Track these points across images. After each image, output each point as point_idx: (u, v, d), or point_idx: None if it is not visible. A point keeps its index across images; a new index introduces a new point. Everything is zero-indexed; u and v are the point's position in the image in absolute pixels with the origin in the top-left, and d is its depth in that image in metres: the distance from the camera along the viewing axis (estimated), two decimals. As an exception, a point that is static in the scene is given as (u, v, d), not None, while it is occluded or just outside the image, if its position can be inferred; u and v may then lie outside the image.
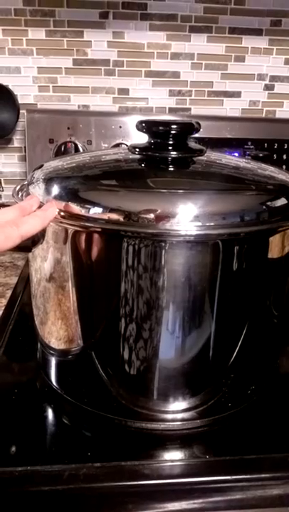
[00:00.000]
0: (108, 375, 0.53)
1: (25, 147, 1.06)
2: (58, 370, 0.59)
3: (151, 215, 0.44)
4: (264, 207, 0.47)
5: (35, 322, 0.61)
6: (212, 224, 0.44)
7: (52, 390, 0.59)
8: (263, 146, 1.07)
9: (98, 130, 1.02)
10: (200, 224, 0.44)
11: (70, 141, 1.00)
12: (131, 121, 1.01)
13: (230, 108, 1.16)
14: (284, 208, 0.49)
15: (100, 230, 0.46)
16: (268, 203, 0.48)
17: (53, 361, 0.59)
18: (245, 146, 1.07)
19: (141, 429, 0.53)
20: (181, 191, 0.48)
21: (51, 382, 0.59)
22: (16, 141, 1.13)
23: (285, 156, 1.09)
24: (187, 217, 0.44)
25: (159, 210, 0.44)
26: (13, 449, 0.50)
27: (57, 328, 0.55)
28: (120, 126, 1.02)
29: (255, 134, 1.07)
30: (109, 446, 0.51)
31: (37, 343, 0.63)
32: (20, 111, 1.06)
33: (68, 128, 1.02)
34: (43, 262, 0.53)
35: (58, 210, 0.47)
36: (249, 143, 1.07)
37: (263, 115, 1.18)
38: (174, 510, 0.48)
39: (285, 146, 1.08)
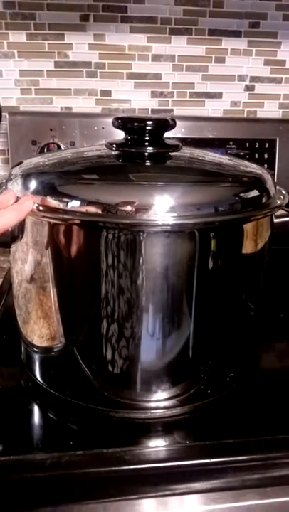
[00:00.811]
0: (90, 368, 0.54)
1: (8, 149, 1.06)
2: (42, 365, 0.60)
3: (129, 207, 0.46)
4: (237, 198, 0.49)
5: (18, 321, 0.62)
6: (188, 214, 0.46)
7: (36, 384, 0.59)
8: (245, 146, 1.09)
9: (81, 131, 1.04)
10: (176, 215, 0.46)
11: (53, 143, 1.01)
12: (113, 122, 1.02)
13: (212, 109, 1.18)
14: (256, 199, 0.50)
15: (78, 222, 0.47)
16: (241, 195, 0.49)
17: (37, 358, 0.60)
18: (227, 146, 1.09)
19: (123, 418, 0.54)
20: (157, 183, 0.49)
21: (35, 378, 0.60)
22: (-1, 143, 1.14)
23: (266, 155, 1.10)
24: (164, 208, 0.46)
25: (136, 202, 0.46)
26: (-1, 441, 0.51)
27: (39, 327, 0.56)
28: (103, 127, 1.04)
29: (236, 134, 1.09)
30: (92, 436, 0.52)
31: (20, 341, 0.63)
32: (3, 114, 1.07)
33: (51, 129, 1.03)
34: (24, 261, 0.54)
35: (35, 204, 0.48)
36: (231, 142, 1.09)
37: (245, 115, 1.20)
38: (156, 495, 0.49)
39: (266, 145, 1.10)
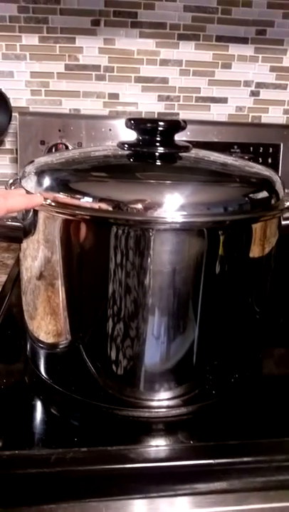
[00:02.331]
0: (95, 365, 0.54)
1: (16, 149, 1.07)
2: (47, 361, 0.60)
3: (140, 205, 0.46)
4: (246, 198, 0.49)
5: (25, 317, 0.62)
6: (197, 213, 0.46)
7: (40, 380, 0.60)
8: (249, 150, 1.10)
9: (88, 133, 1.04)
10: (185, 213, 0.46)
11: (61, 143, 1.02)
12: (120, 125, 1.03)
13: (217, 113, 1.19)
14: (265, 200, 0.51)
15: (89, 218, 0.47)
16: (251, 195, 0.50)
17: (42, 353, 0.60)
18: (232, 150, 1.09)
19: (127, 416, 0.54)
20: (168, 182, 0.50)
21: (40, 373, 0.60)
22: (8, 143, 1.15)
23: (270, 160, 1.11)
24: (173, 206, 0.46)
25: (147, 200, 0.46)
26: (2, 436, 0.51)
27: (46, 323, 0.57)
28: (110, 129, 1.04)
29: (241, 138, 1.10)
30: (96, 433, 0.52)
31: (26, 336, 0.64)
32: (13, 114, 1.08)
33: (59, 130, 1.04)
34: (34, 258, 0.54)
35: (47, 200, 0.49)
36: (235, 146, 1.09)
37: (249, 120, 1.21)
38: (158, 495, 0.49)
39: (270, 150, 1.11)
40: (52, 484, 0.47)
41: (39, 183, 0.51)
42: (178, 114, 1.17)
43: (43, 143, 1.02)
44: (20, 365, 0.64)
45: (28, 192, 0.51)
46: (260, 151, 1.09)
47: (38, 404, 0.56)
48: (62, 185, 0.49)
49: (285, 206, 0.53)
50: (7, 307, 0.77)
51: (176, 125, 0.56)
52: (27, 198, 0.49)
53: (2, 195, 0.47)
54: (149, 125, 0.56)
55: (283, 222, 0.56)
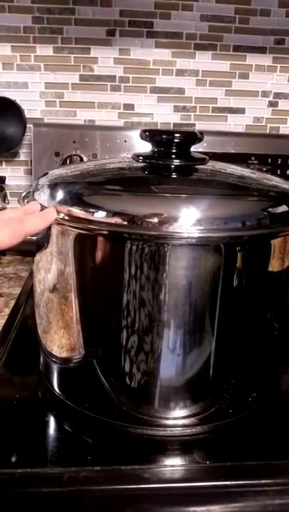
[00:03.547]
0: (109, 382, 0.53)
1: (31, 160, 1.07)
2: (60, 376, 0.59)
3: (155, 219, 0.45)
4: (265, 213, 0.48)
5: (38, 331, 0.61)
6: (214, 228, 0.45)
7: (53, 395, 0.59)
8: (267, 162, 1.09)
9: (103, 144, 1.04)
10: (202, 228, 0.45)
11: (76, 154, 1.02)
12: (136, 136, 1.02)
13: (234, 124, 1.18)
14: (285, 214, 0.49)
15: (103, 233, 0.46)
16: (269, 209, 0.49)
17: (55, 368, 0.59)
18: (249, 161, 1.08)
19: (141, 434, 0.53)
20: (183, 196, 0.49)
21: (53, 388, 0.59)
22: (23, 154, 1.15)
23: (288, 172, 1.10)
24: (190, 221, 0.45)
25: (162, 214, 0.45)
26: (14, 452, 0.50)
27: (59, 337, 0.56)
28: (125, 141, 1.04)
29: (258, 150, 1.09)
30: (109, 451, 0.51)
31: (39, 350, 0.63)
32: (27, 125, 1.08)
33: (74, 142, 1.04)
34: (47, 271, 0.53)
35: (60, 214, 0.48)
36: (253, 158, 1.08)
37: (267, 131, 1.20)
38: (173, 516, 0.48)
39: (289, 162, 1.09)
40: (64, 504, 0.46)
41: (52, 196, 0.51)
42: (194, 124, 1.16)
43: (57, 154, 1.02)
44: (33, 380, 0.63)
45: (41, 206, 0.51)
46: (279, 162, 1.08)
47: (51, 421, 0.55)
48: (75, 198, 0.49)
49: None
50: (21, 319, 0.77)
51: (192, 137, 0.55)
52: (43, 220, 0.48)
53: (19, 220, 0.47)
54: (164, 137, 0.55)
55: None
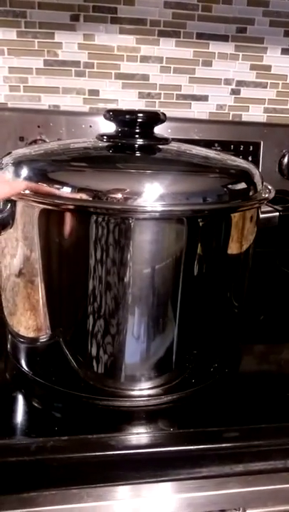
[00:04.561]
0: (75, 358, 0.54)
1: (-5, 145, 1.06)
2: (27, 354, 0.60)
3: (119, 194, 0.46)
4: (225, 189, 0.50)
5: (5, 313, 0.62)
6: (176, 202, 0.47)
7: (21, 373, 0.60)
8: (230, 148, 1.11)
9: (68, 129, 1.04)
10: (165, 202, 0.46)
11: (41, 139, 1.01)
12: (101, 121, 1.02)
13: (198, 111, 1.20)
14: (243, 191, 0.52)
15: (68, 208, 0.47)
16: (229, 186, 0.51)
17: (22, 347, 0.60)
18: (212, 148, 1.10)
19: (108, 406, 0.55)
20: (147, 172, 0.50)
21: (20, 366, 0.60)
22: (-13, 139, 1.14)
23: (250, 158, 1.12)
24: (153, 196, 0.46)
25: (126, 189, 0.47)
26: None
27: (26, 319, 0.57)
28: (90, 126, 1.04)
29: (221, 136, 1.11)
30: (77, 423, 0.52)
31: (6, 330, 0.63)
32: (-9, 110, 1.07)
33: (39, 126, 1.03)
34: (13, 249, 0.54)
35: (26, 190, 0.48)
36: (216, 144, 1.10)
37: (230, 118, 1.22)
38: (139, 482, 0.49)
39: (251, 148, 1.12)
40: (33, 472, 0.47)
41: (17, 173, 0.51)
42: (159, 111, 1.17)
43: (22, 139, 1.02)
44: (1, 359, 0.63)
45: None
46: (241, 148, 1.10)
47: (19, 396, 0.56)
48: (40, 175, 0.49)
49: (263, 197, 0.53)
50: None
51: (155, 117, 0.57)
52: (11, 187, 0.48)
53: None
54: (128, 117, 0.56)
55: (261, 216, 0.57)
